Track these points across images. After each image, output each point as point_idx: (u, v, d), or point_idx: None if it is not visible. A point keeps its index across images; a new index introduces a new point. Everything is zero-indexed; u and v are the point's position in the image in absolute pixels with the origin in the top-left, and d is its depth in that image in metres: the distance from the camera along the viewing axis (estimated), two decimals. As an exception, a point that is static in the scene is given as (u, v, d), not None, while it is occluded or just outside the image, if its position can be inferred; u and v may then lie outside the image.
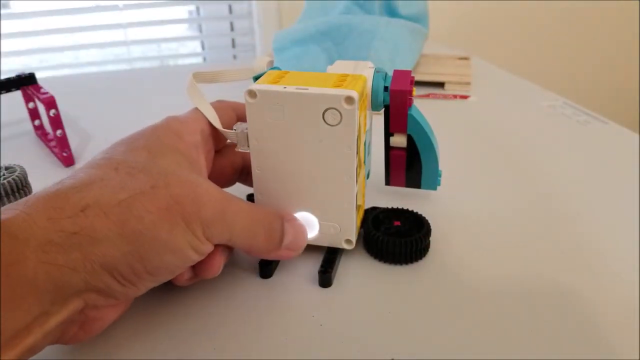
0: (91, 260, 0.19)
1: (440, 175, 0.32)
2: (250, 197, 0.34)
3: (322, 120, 0.25)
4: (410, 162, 0.31)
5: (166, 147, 0.25)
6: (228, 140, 0.29)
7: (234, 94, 0.32)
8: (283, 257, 0.27)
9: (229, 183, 0.32)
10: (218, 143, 0.30)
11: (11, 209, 0.19)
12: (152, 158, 0.24)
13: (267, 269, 0.28)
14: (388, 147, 0.31)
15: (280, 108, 0.25)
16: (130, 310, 0.25)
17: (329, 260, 0.28)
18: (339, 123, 0.25)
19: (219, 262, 0.26)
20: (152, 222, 0.21)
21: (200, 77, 0.30)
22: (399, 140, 0.30)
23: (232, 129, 0.28)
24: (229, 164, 0.31)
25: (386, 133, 0.30)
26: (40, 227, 0.19)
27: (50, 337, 0.20)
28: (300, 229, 0.28)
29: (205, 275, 0.26)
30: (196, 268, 0.26)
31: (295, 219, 0.28)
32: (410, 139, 0.30)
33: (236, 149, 0.28)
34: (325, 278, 0.27)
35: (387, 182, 0.33)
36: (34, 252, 0.18)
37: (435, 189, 0.32)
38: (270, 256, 0.27)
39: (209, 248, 0.23)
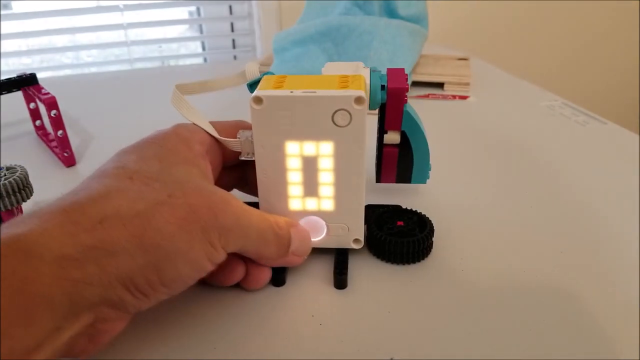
0: (107, 273, 0.19)
1: (430, 169, 0.32)
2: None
3: (332, 122, 0.25)
4: (402, 158, 0.31)
5: (177, 156, 0.25)
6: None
7: (225, 103, 0.32)
8: (291, 263, 0.27)
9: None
10: (226, 159, 0.29)
11: (24, 223, 0.19)
12: (165, 167, 0.23)
13: (279, 277, 0.28)
14: (381, 145, 0.31)
15: (288, 113, 0.25)
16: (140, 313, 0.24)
17: (341, 262, 0.28)
18: (348, 124, 0.25)
19: (267, 274, 0.27)
20: (170, 233, 0.20)
21: (185, 88, 0.29)
22: (392, 138, 0.30)
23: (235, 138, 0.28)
24: (227, 173, 0.31)
25: (380, 131, 0.30)
26: (57, 241, 0.18)
27: (59, 352, 0.19)
28: (305, 234, 0.28)
29: (252, 286, 0.27)
30: (243, 281, 0.27)
31: (299, 224, 0.28)
32: (403, 135, 0.30)
33: (240, 157, 0.28)
34: (341, 280, 0.27)
35: (378, 180, 0.33)
36: (49, 268, 0.18)
37: (425, 182, 0.33)
38: (279, 262, 0.27)
39: (223, 257, 0.23)
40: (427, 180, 0.33)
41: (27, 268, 0.17)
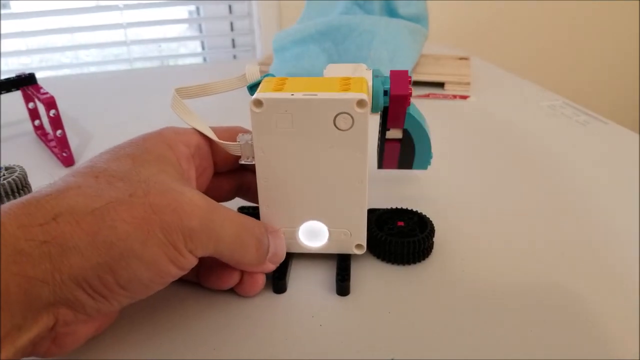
0: (60, 271, 0.18)
1: (431, 157, 0.32)
2: (242, 211, 0.33)
3: (333, 126, 0.25)
4: (404, 150, 0.31)
5: (152, 155, 0.24)
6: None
7: (224, 106, 0.32)
8: (266, 270, 0.27)
9: (226, 199, 0.31)
10: (220, 164, 0.29)
11: None
12: (135, 166, 0.23)
13: (280, 283, 0.27)
14: (383, 136, 0.31)
15: (289, 116, 0.24)
16: (136, 312, 0.24)
17: (343, 268, 0.28)
18: (350, 127, 0.24)
19: (261, 281, 0.26)
20: (125, 232, 0.20)
21: (185, 92, 0.28)
22: (395, 133, 0.30)
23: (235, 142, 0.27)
24: (226, 180, 0.30)
25: (382, 125, 0.30)
26: (12, 235, 0.18)
27: (21, 354, 0.19)
28: (281, 241, 0.27)
29: (246, 293, 0.27)
30: (237, 286, 0.26)
31: (276, 230, 0.27)
32: (406, 131, 0.30)
33: (240, 162, 0.27)
34: (343, 287, 0.27)
35: (380, 166, 0.33)
36: (5, 263, 0.17)
37: (426, 168, 0.33)
38: (256, 269, 0.26)
39: (191, 261, 0.22)
40: (429, 167, 0.33)
41: None
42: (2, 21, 0.89)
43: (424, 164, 0.32)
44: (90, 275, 0.19)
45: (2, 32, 0.90)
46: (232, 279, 0.26)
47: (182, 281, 0.26)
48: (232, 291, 0.27)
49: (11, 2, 0.98)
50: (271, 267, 0.27)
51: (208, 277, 0.27)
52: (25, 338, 0.18)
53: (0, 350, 0.17)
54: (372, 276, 0.28)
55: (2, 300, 0.17)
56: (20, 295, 0.18)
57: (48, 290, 0.18)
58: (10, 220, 0.18)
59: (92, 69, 1.11)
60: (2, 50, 0.91)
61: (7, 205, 0.19)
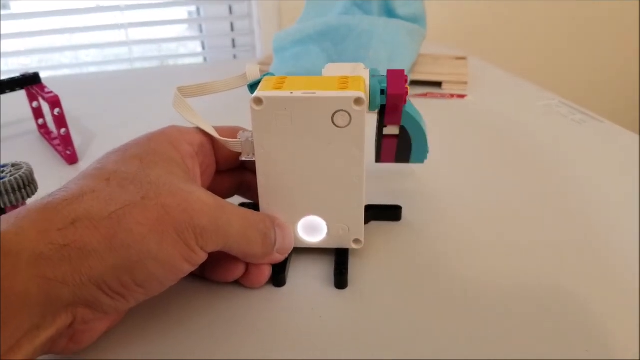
0: (80, 273, 0.19)
1: (428, 151, 0.33)
2: (242, 206, 0.33)
3: (332, 123, 0.25)
4: (401, 145, 0.32)
5: (159, 155, 0.25)
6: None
7: (224, 105, 0.32)
8: (274, 261, 0.28)
9: (227, 197, 0.32)
10: (222, 162, 0.30)
11: (4, 221, 0.19)
12: (143, 168, 0.23)
13: (280, 277, 0.28)
14: (381, 135, 0.31)
15: (288, 114, 0.25)
16: (138, 309, 0.25)
17: (341, 262, 0.28)
18: (348, 125, 0.25)
19: (267, 272, 0.27)
20: (140, 234, 0.21)
21: (187, 90, 0.29)
22: (391, 130, 0.31)
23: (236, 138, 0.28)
24: (227, 178, 0.31)
25: (380, 121, 0.31)
26: (31, 240, 0.19)
27: (40, 351, 0.19)
28: (288, 232, 0.28)
29: (252, 284, 0.27)
30: (243, 278, 0.27)
31: (282, 222, 0.28)
32: (402, 128, 0.31)
33: (240, 158, 0.28)
34: (342, 280, 0.28)
35: (378, 160, 0.34)
36: (25, 266, 0.18)
37: (422, 162, 0.33)
38: (264, 260, 0.27)
39: (202, 257, 0.23)
40: (425, 160, 0.33)
41: (4, 266, 0.18)
42: (2, 21, 0.89)
43: (421, 158, 0.33)
44: (109, 276, 0.20)
45: (2, 32, 0.90)
46: (238, 271, 0.27)
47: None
48: (232, 284, 0.28)
49: (11, 3, 0.99)
50: (279, 257, 0.28)
51: (214, 270, 0.27)
52: (43, 337, 0.19)
53: (22, 349, 0.18)
54: (369, 270, 0.29)
55: (22, 302, 0.18)
56: (40, 297, 0.18)
57: (68, 291, 0.19)
58: (30, 225, 0.19)
59: (92, 69, 1.12)
60: (2, 51, 0.91)
61: (25, 210, 0.20)
